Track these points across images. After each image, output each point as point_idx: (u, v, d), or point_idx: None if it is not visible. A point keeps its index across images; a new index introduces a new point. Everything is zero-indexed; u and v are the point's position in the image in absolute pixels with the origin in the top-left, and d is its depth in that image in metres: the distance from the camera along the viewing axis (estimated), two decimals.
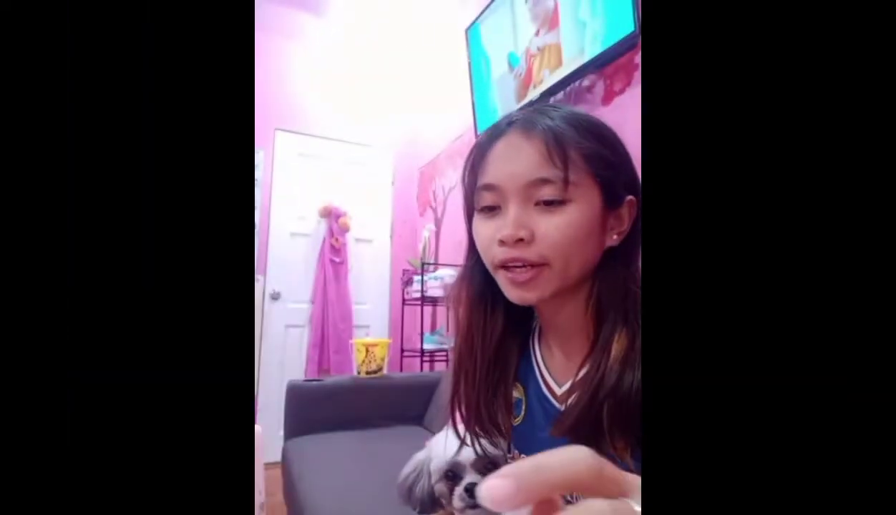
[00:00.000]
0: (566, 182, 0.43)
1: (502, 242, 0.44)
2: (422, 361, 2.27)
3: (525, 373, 0.53)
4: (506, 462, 0.57)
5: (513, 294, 0.46)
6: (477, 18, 1.99)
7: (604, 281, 0.45)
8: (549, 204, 0.43)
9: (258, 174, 2.59)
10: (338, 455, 1.43)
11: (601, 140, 0.46)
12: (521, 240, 0.43)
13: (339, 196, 2.78)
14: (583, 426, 0.43)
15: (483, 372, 0.51)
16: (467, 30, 2.06)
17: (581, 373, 0.45)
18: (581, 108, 0.49)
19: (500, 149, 0.46)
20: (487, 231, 0.46)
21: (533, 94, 1.65)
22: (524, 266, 0.44)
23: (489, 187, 0.46)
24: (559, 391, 0.49)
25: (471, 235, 0.50)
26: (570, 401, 0.46)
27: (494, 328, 0.51)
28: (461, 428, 0.55)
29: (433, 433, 1.58)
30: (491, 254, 0.46)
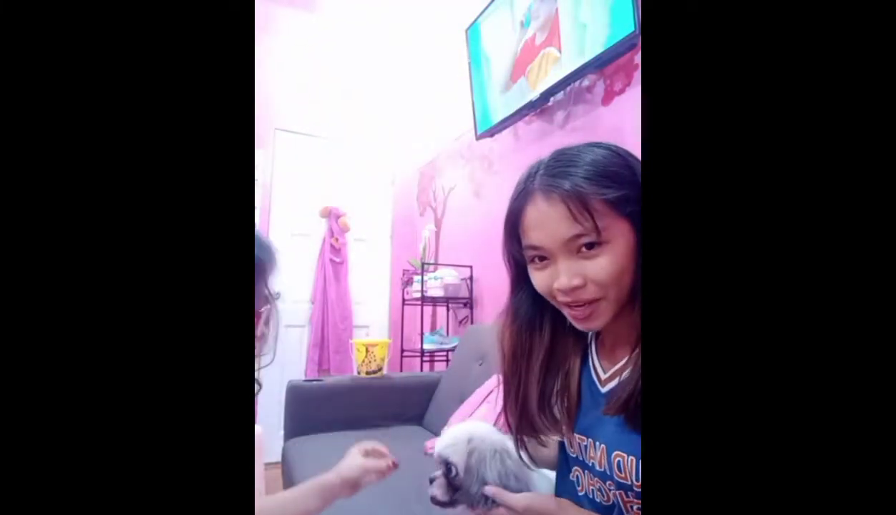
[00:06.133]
0: (597, 230, 0.48)
1: (560, 289, 0.51)
2: (422, 361, 2.27)
3: (581, 367, 0.62)
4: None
5: (578, 325, 0.54)
6: (477, 18, 1.99)
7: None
8: (591, 247, 0.49)
9: (258, 174, 2.59)
10: (338, 455, 1.42)
11: (621, 180, 0.50)
12: (575, 286, 0.50)
13: (339, 196, 2.78)
14: (626, 405, 0.49)
15: (533, 384, 0.59)
16: (467, 30, 2.06)
17: (622, 361, 0.53)
18: (600, 149, 0.52)
19: (531, 215, 0.52)
20: (544, 279, 0.53)
21: (532, 95, 1.65)
22: (583, 304, 0.51)
23: (534, 247, 0.52)
24: (604, 376, 0.57)
25: (512, 277, 0.60)
26: (614, 384, 0.53)
27: (542, 345, 0.60)
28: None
29: (433, 433, 1.58)
30: (552, 296, 0.53)
